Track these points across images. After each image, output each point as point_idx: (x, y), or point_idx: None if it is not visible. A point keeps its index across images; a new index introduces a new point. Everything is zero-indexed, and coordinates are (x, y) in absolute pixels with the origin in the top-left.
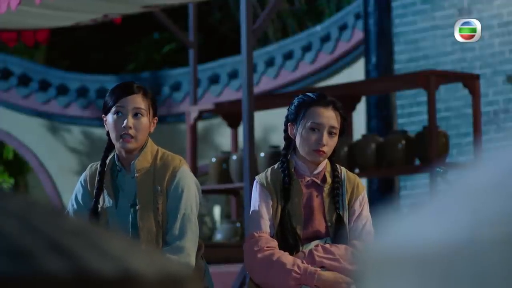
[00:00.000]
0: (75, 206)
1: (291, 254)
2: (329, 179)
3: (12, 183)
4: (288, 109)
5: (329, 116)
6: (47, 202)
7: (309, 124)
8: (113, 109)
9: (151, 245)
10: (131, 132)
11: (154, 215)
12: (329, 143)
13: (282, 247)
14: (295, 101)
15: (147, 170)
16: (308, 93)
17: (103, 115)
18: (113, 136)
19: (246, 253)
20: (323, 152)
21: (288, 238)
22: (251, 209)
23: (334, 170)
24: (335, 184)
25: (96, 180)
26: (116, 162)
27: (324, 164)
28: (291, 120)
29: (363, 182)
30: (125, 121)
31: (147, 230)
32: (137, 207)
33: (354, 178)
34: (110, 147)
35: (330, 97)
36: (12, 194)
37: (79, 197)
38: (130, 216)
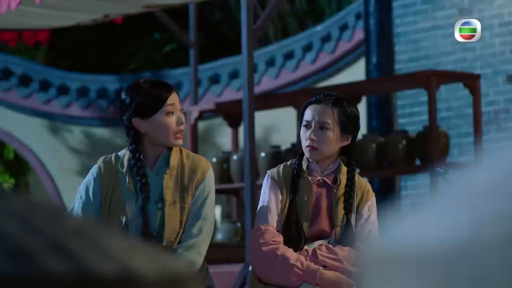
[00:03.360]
0: (83, 198)
1: (294, 251)
2: (342, 181)
3: (12, 183)
4: None
5: (319, 112)
6: (47, 202)
7: (302, 122)
8: (164, 109)
9: (171, 243)
10: (183, 127)
11: (181, 214)
12: (319, 138)
13: (286, 241)
14: None
15: (176, 169)
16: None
17: (133, 119)
18: (165, 136)
19: (251, 245)
20: (312, 147)
21: (292, 232)
22: (260, 202)
23: (349, 173)
24: (347, 188)
25: (136, 178)
26: (141, 159)
27: (337, 165)
28: (300, 122)
29: None
30: (179, 119)
31: (172, 228)
32: (165, 204)
33: (365, 183)
34: (137, 146)
35: (336, 95)
36: (13, 194)
37: (90, 190)
38: (156, 213)
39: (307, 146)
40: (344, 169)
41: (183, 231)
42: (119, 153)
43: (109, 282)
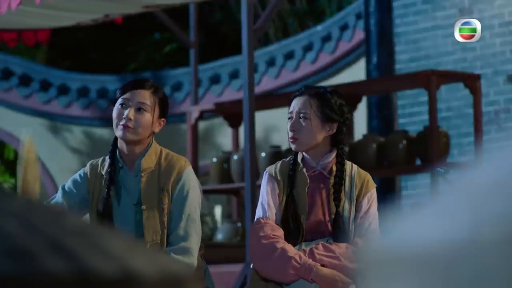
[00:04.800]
0: (66, 189)
1: (293, 246)
2: (335, 172)
3: (13, 183)
4: None
5: (298, 102)
6: (48, 200)
7: (287, 116)
8: (119, 100)
9: (156, 245)
10: (130, 123)
11: (160, 215)
12: (300, 129)
13: (285, 235)
14: None
15: (152, 170)
16: None
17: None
18: (113, 125)
19: (251, 238)
20: (293, 138)
21: (290, 224)
22: (260, 197)
23: (338, 163)
24: (336, 178)
25: (106, 175)
26: (118, 159)
27: (333, 156)
28: None
29: None
30: (126, 112)
31: (153, 230)
32: (142, 207)
33: (365, 174)
34: (116, 143)
35: (318, 87)
36: (13, 194)
37: (74, 184)
38: (135, 215)
39: (290, 138)
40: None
41: (168, 233)
42: (107, 156)
43: (109, 282)
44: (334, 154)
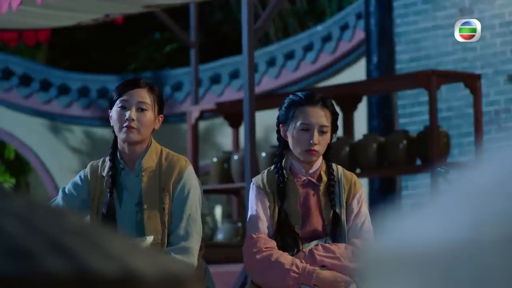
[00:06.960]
0: (66, 191)
1: (291, 254)
2: (324, 178)
3: (13, 183)
4: (279, 110)
5: (318, 115)
6: (48, 202)
7: (299, 125)
8: (117, 102)
9: (157, 245)
10: (134, 124)
11: (161, 215)
12: (321, 142)
13: (280, 247)
14: (285, 102)
15: (153, 170)
16: (297, 93)
17: (109, 110)
18: (116, 128)
19: (245, 255)
20: (315, 151)
21: (286, 237)
22: (249, 211)
23: (329, 168)
24: (330, 182)
25: (107, 177)
26: (119, 160)
27: (320, 163)
28: (282, 121)
29: (364, 182)
30: (127, 113)
31: (154, 230)
32: (144, 207)
33: (351, 176)
34: (116, 144)
35: (320, 95)
36: (13, 194)
37: (75, 187)
38: (136, 215)
39: (307, 150)
40: (324, 165)
41: (169, 233)
42: (107, 158)
43: (109, 282)
44: (321, 161)
